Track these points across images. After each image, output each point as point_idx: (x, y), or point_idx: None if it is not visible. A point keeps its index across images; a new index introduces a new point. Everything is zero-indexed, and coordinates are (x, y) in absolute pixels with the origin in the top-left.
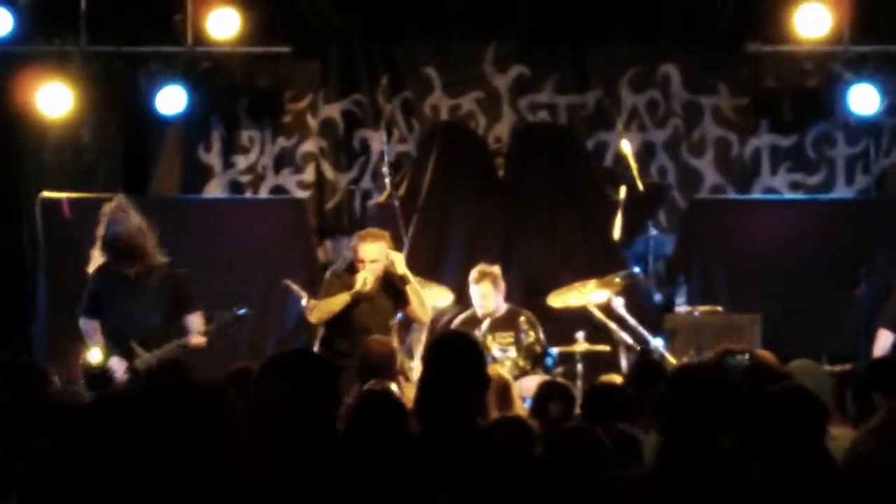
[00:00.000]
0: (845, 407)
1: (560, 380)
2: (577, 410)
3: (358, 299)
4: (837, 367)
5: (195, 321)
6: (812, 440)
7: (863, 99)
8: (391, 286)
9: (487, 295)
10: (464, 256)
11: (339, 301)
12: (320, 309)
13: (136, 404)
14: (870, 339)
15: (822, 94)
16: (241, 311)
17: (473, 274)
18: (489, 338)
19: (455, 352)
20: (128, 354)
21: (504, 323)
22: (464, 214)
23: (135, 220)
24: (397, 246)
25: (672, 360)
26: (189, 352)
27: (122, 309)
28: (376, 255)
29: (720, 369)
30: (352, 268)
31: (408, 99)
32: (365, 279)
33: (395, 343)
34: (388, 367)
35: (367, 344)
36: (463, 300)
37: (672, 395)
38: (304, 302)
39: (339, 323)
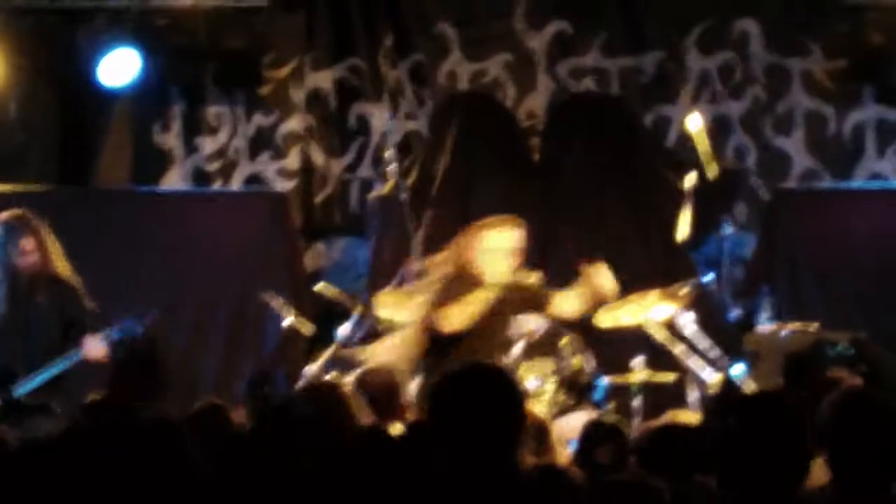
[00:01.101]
0: None
1: (611, 418)
2: (633, 457)
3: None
4: None
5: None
6: None
7: None
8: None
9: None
10: None
11: (480, 299)
12: (458, 312)
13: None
14: None
15: None
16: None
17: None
18: (523, 365)
19: (477, 391)
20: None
21: (542, 346)
22: (489, 208)
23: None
24: (405, 248)
25: (754, 389)
26: (149, 380)
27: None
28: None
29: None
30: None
31: (418, 63)
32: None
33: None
34: (388, 402)
35: (364, 376)
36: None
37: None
38: (286, 323)
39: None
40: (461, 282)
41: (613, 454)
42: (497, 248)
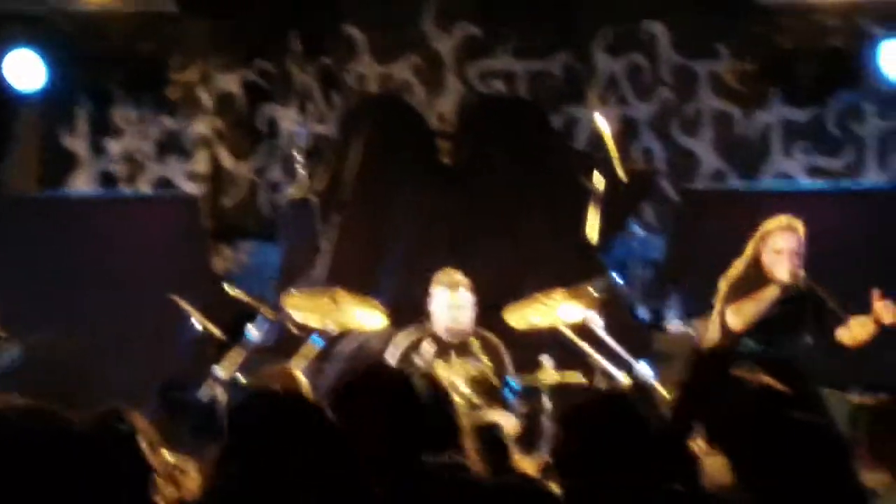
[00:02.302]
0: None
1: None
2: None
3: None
4: (869, 399)
5: None
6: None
7: None
8: None
9: (466, 307)
10: (402, 265)
11: (768, 297)
12: (749, 308)
13: None
14: None
15: (847, 55)
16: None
17: (446, 278)
18: (437, 364)
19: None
20: None
21: (455, 346)
22: (401, 212)
23: None
24: (315, 252)
25: (663, 391)
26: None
27: None
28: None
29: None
30: None
31: (327, 66)
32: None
33: None
34: None
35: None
36: (400, 320)
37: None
38: (195, 326)
39: None
40: (749, 281)
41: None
42: (784, 248)
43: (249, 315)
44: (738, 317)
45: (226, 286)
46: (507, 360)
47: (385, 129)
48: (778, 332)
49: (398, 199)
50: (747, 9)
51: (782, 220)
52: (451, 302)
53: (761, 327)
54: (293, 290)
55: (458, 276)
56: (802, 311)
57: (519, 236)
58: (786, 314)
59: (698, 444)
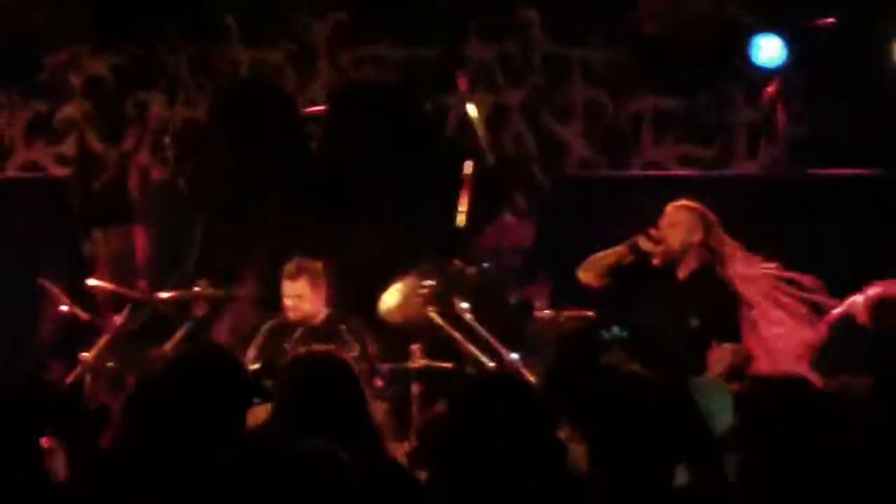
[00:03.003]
0: None
1: None
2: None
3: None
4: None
5: None
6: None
7: (768, 50)
8: None
9: (304, 295)
10: (272, 251)
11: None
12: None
13: None
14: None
15: (718, 44)
16: None
17: (288, 269)
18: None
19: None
20: None
21: (323, 332)
22: (271, 197)
23: None
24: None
25: (531, 378)
26: None
27: None
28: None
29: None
30: None
31: (198, 51)
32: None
33: None
34: None
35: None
36: (271, 304)
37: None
38: (63, 310)
39: None
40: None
41: None
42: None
43: (117, 299)
44: (587, 271)
45: (91, 273)
46: (374, 345)
47: (255, 115)
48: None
49: (266, 185)
50: None
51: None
52: (291, 291)
53: (625, 312)
54: (162, 277)
55: (303, 265)
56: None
57: (389, 223)
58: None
59: (565, 431)
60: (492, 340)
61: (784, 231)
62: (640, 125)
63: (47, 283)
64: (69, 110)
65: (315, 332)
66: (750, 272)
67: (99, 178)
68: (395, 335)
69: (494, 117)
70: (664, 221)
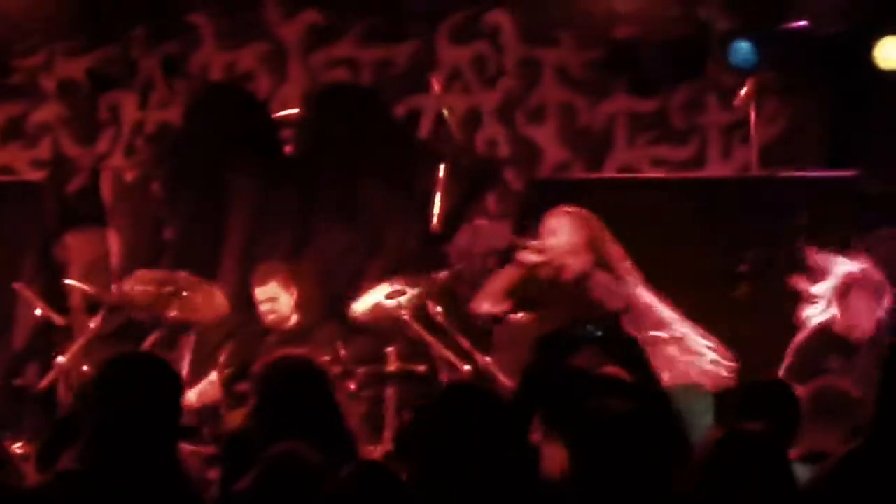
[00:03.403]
0: None
1: None
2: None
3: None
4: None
5: None
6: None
7: (741, 53)
8: None
9: (278, 297)
10: (245, 254)
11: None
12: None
13: None
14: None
15: (689, 46)
16: None
17: (258, 274)
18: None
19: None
20: None
21: (296, 336)
22: (244, 201)
23: None
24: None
25: (505, 380)
26: None
27: None
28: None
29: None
30: None
31: (171, 53)
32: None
33: None
34: None
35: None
36: (243, 308)
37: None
38: (38, 314)
39: None
40: None
41: None
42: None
43: (92, 302)
44: (482, 302)
45: (66, 277)
46: (347, 349)
47: (228, 118)
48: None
49: (239, 188)
50: None
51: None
52: (263, 296)
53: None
54: (136, 278)
55: (272, 269)
56: None
57: (361, 226)
58: None
59: (538, 433)
60: (465, 344)
61: (758, 232)
62: (614, 127)
63: (22, 287)
64: (43, 113)
65: (289, 335)
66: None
67: (73, 181)
68: (369, 339)
69: (468, 119)
70: (545, 229)
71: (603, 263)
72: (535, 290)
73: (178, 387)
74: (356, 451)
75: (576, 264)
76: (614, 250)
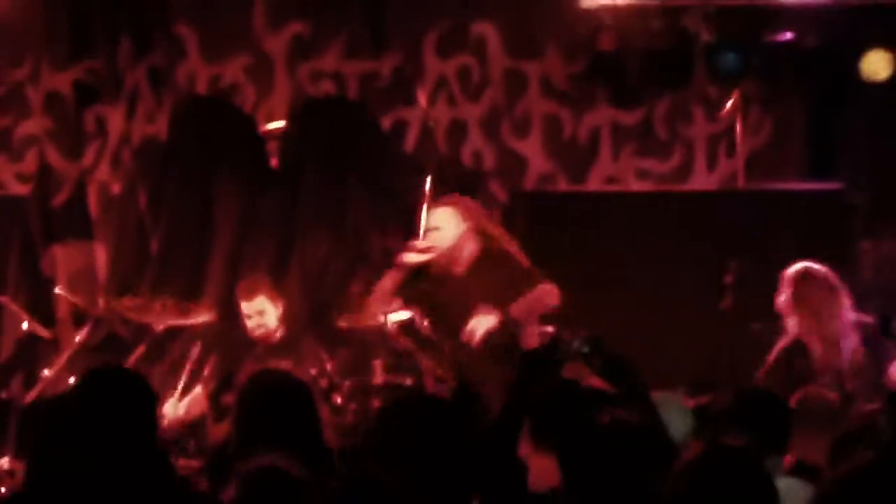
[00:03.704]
0: None
1: None
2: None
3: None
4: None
5: None
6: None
7: (725, 64)
8: None
9: (265, 310)
10: (230, 266)
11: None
12: None
13: None
14: (738, 364)
15: (673, 57)
16: None
17: (243, 287)
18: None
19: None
20: None
21: (282, 349)
22: (229, 214)
23: None
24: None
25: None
26: None
27: None
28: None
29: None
30: None
31: (156, 65)
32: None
33: None
34: None
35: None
36: (228, 320)
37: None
38: (23, 327)
39: None
40: None
41: None
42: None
43: (79, 315)
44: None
45: (52, 290)
46: (333, 362)
47: (213, 131)
48: None
49: (224, 201)
50: (571, 10)
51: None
52: (249, 309)
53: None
54: (122, 292)
55: (257, 282)
56: None
57: (345, 238)
58: None
59: (525, 445)
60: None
61: (742, 243)
62: (599, 139)
63: (7, 301)
64: (29, 126)
65: (274, 348)
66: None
67: (59, 194)
68: (355, 351)
69: (453, 131)
70: (428, 227)
71: (493, 250)
72: (427, 286)
73: (152, 401)
74: (334, 465)
75: (465, 256)
76: (501, 234)
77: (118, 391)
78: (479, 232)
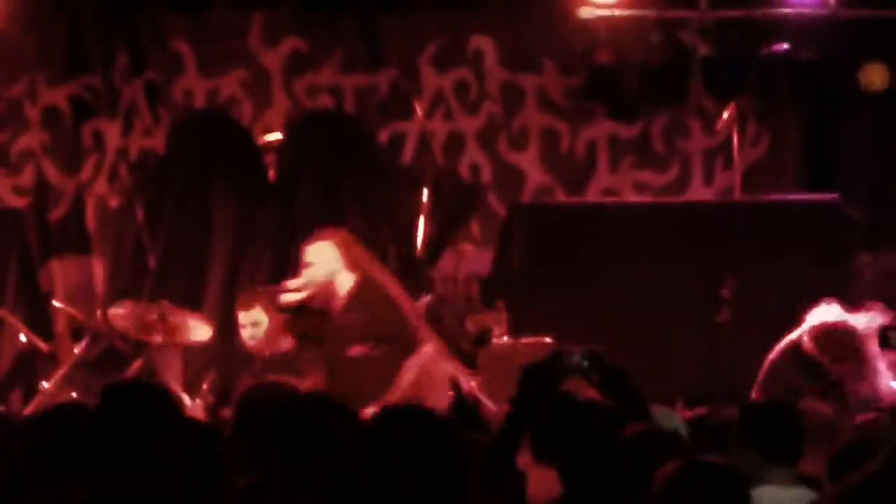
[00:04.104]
0: None
1: None
2: None
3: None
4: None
5: None
6: None
7: (722, 77)
8: None
9: (260, 323)
10: (228, 279)
11: None
12: None
13: None
14: (737, 376)
15: (671, 70)
16: None
17: (241, 300)
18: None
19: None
20: None
21: (280, 362)
22: (227, 227)
23: None
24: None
25: (489, 403)
26: None
27: None
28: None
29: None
30: None
31: (153, 80)
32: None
33: None
34: None
35: None
36: (227, 334)
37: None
38: (21, 341)
39: None
40: None
41: None
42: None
43: (77, 329)
44: None
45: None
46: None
47: (211, 145)
48: None
49: (222, 214)
50: (567, 24)
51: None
52: (246, 321)
53: None
54: (119, 305)
55: (255, 295)
56: None
57: None
58: None
59: (525, 457)
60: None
61: (740, 256)
62: (596, 152)
63: (5, 314)
64: (26, 141)
65: (272, 363)
66: None
67: (56, 209)
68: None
69: (450, 145)
70: (302, 262)
71: (369, 280)
72: (310, 322)
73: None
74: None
75: (341, 291)
76: (376, 266)
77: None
78: (356, 266)
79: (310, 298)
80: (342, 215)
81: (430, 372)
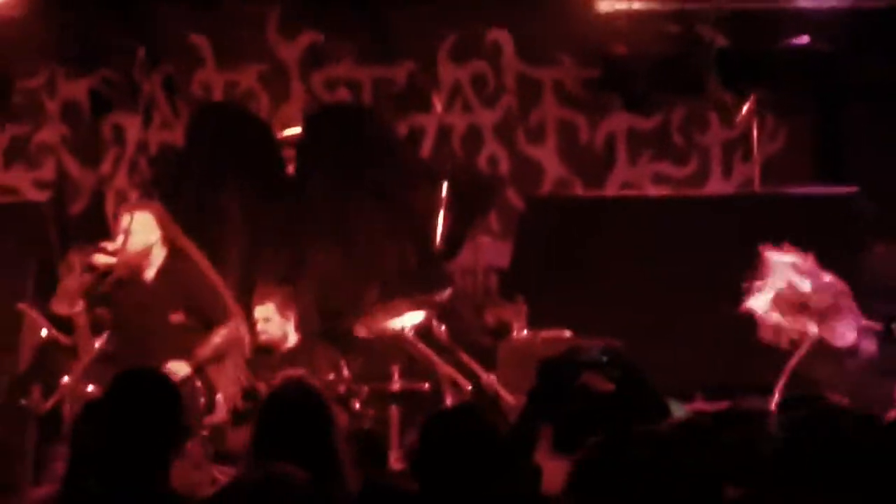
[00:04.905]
0: None
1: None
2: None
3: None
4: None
5: None
6: None
7: (740, 69)
8: None
9: (272, 319)
10: (244, 274)
11: None
12: None
13: None
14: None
15: (687, 63)
16: None
17: (258, 293)
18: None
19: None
20: None
21: (297, 357)
22: (244, 221)
23: None
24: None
25: (509, 397)
26: None
27: None
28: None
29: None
30: None
31: (171, 74)
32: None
33: None
34: None
35: None
36: (244, 326)
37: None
38: (42, 334)
39: None
40: None
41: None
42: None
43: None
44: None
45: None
46: (350, 368)
47: (228, 138)
48: None
49: (239, 208)
50: (585, 16)
51: None
52: (258, 315)
53: None
54: None
55: (269, 290)
56: None
57: (358, 245)
58: None
59: (542, 450)
60: (469, 362)
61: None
62: (615, 145)
63: (27, 308)
64: (46, 134)
65: (289, 356)
66: None
67: (76, 202)
68: (372, 357)
69: (468, 138)
70: (119, 228)
71: (182, 255)
72: (110, 289)
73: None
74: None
75: (154, 262)
76: (189, 243)
77: (149, 393)
78: (171, 241)
79: (120, 265)
80: (359, 209)
81: (235, 342)
